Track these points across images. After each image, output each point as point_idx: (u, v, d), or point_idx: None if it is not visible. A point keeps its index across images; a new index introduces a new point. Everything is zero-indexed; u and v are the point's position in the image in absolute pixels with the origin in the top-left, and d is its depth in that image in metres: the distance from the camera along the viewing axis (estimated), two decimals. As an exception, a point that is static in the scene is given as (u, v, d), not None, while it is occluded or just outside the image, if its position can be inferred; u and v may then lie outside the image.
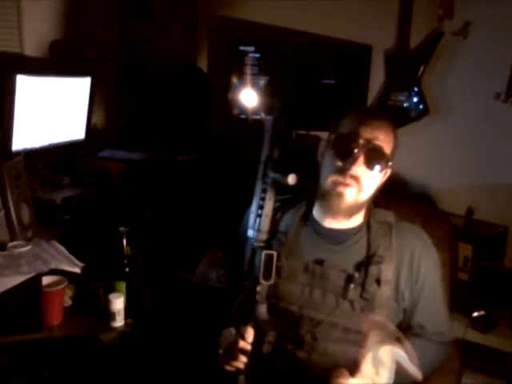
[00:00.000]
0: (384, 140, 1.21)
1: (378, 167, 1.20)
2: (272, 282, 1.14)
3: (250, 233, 1.19)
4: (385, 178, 1.27)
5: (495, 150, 2.48)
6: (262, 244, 1.18)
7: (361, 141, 1.18)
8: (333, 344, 1.21)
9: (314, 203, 1.30)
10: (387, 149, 1.22)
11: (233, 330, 1.17)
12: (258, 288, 1.14)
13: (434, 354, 1.28)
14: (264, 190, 1.17)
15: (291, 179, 1.12)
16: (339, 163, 1.20)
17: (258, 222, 1.17)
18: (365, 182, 1.20)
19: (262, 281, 1.13)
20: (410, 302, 1.26)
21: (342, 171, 1.19)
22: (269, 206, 1.17)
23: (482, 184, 2.51)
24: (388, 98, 2.63)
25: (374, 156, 1.19)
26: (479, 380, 2.10)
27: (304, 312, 1.22)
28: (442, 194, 2.59)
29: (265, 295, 1.15)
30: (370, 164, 1.19)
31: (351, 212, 1.23)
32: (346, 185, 1.19)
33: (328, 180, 1.21)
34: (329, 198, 1.22)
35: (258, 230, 1.17)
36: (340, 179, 1.19)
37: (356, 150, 1.18)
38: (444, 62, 2.54)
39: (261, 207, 1.17)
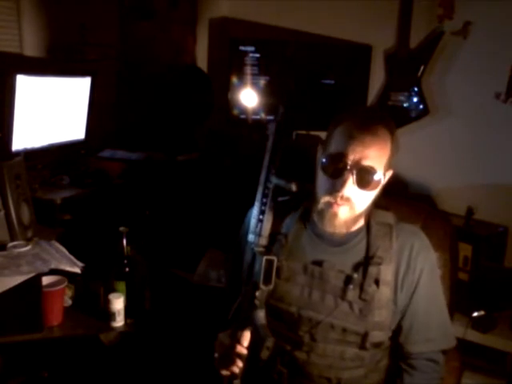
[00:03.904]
0: (375, 157, 1.16)
1: (369, 186, 1.17)
2: (271, 287, 1.14)
3: (251, 237, 1.18)
4: (384, 182, 1.23)
5: (495, 150, 2.48)
6: (262, 249, 1.17)
7: (349, 162, 1.15)
8: (331, 345, 1.21)
9: (313, 207, 1.27)
10: (379, 166, 1.17)
11: (229, 334, 1.17)
12: (257, 293, 1.13)
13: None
14: (266, 195, 1.17)
15: (295, 186, 1.11)
16: (330, 185, 1.17)
17: (259, 226, 1.17)
18: (357, 200, 1.17)
19: (261, 286, 1.12)
20: (404, 303, 1.24)
21: (333, 193, 1.16)
22: (270, 210, 1.17)
23: (482, 184, 2.51)
24: (388, 98, 2.62)
25: (364, 176, 1.15)
26: (479, 380, 2.10)
27: (303, 313, 1.22)
28: (442, 194, 2.58)
29: (264, 300, 1.15)
30: (360, 184, 1.16)
31: (348, 225, 1.21)
32: (339, 205, 1.17)
33: (321, 201, 1.19)
34: (323, 217, 1.20)
35: (259, 235, 1.17)
36: (332, 200, 1.17)
37: (345, 172, 1.15)
38: (444, 62, 2.54)
39: (262, 212, 1.17)
